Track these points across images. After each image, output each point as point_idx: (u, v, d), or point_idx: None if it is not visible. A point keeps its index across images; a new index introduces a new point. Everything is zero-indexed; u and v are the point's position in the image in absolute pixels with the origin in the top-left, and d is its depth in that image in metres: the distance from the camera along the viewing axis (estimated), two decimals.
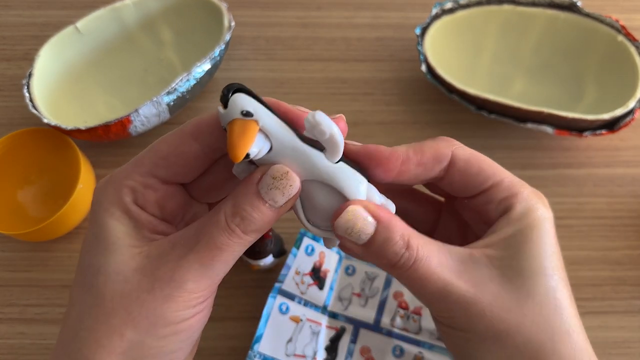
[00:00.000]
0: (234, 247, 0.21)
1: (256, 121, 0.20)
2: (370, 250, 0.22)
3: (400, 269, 0.22)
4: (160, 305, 0.21)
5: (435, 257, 0.22)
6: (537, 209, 0.23)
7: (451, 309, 0.22)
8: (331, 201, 0.22)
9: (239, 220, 0.21)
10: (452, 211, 0.28)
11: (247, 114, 0.20)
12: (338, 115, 0.23)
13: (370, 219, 0.22)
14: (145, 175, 0.23)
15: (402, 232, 0.22)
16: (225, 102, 0.21)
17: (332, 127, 0.21)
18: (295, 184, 0.21)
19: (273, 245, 0.38)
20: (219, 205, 0.22)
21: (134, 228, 0.22)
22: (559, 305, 0.22)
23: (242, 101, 0.20)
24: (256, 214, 0.21)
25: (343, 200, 0.22)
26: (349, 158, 0.23)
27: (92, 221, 0.23)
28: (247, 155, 0.20)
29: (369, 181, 0.23)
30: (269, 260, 0.38)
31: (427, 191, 0.29)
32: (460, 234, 0.27)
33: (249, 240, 0.22)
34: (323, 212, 0.23)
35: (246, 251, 0.38)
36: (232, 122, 0.20)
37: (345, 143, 0.22)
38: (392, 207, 0.24)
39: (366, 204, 0.22)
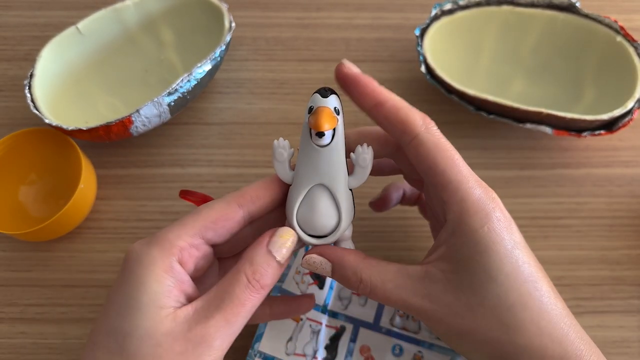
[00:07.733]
0: (254, 301, 0.26)
1: (337, 119, 0.27)
2: (337, 280, 0.28)
3: (363, 294, 0.27)
4: None
5: (391, 281, 0.26)
6: (485, 214, 0.25)
7: (418, 318, 0.27)
8: (327, 212, 0.28)
9: (258, 276, 0.26)
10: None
11: (337, 112, 0.27)
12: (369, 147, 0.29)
13: (325, 262, 0.28)
14: (194, 236, 0.26)
15: (354, 269, 0.27)
16: (324, 93, 0.27)
17: (370, 167, 0.28)
18: (294, 240, 0.28)
19: None
20: (236, 270, 0.26)
21: (169, 287, 0.25)
22: (512, 305, 0.24)
23: (337, 102, 0.28)
24: (269, 269, 0.26)
25: (336, 215, 0.28)
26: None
27: (125, 280, 0.25)
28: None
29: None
30: None
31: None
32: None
33: (264, 294, 0.26)
34: (316, 216, 0.28)
35: None
36: (326, 107, 0.27)
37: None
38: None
39: (323, 250, 0.28)
